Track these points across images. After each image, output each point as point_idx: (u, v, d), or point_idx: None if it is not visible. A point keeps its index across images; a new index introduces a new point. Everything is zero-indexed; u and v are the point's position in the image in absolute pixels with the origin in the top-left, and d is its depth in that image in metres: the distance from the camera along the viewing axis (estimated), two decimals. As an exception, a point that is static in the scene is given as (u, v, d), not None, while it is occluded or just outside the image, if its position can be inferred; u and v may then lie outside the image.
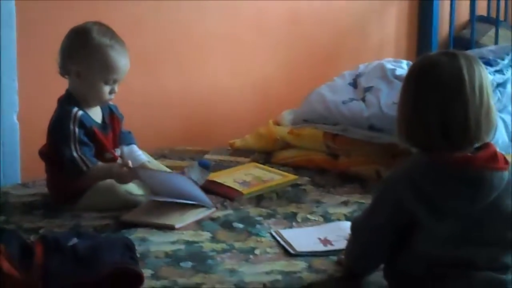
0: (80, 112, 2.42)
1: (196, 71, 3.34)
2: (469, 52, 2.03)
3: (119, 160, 2.53)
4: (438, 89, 1.87)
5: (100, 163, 2.43)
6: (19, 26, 2.86)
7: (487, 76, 1.92)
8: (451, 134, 1.87)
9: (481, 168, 1.87)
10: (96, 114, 2.50)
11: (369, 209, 1.98)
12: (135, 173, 2.40)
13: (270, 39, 3.50)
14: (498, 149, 2.62)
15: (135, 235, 2.24)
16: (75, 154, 2.38)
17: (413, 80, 1.94)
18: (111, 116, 2.55)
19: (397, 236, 1.92)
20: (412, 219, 1.88)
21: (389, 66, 2.95)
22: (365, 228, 1.97)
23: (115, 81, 2.43)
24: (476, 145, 1.90)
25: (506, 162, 1.91)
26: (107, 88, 2.43)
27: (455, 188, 1.87)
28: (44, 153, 2.50)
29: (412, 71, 1.97)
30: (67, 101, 2.45)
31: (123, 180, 2.41)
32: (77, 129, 2.40)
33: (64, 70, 2.46)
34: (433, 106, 1.87)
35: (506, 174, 1.90)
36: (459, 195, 1.87)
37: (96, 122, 2.48)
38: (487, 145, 1.92)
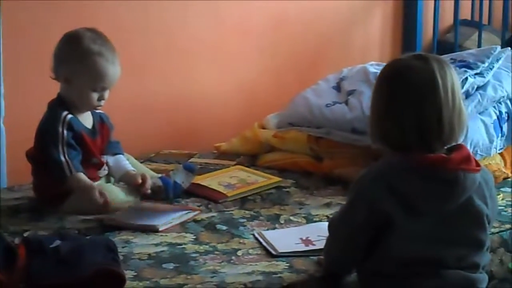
0: (69, 116, 2.44)
1: (181, 75, 3.36)
2: (449, 55, 2.06)
3: (104, 168, 2.54)
4: (412, 91, 1.90)
5: (84, 177, 2.40)
6: (5, 31, 2.86)
7: (458, 79, 1.96)
8: (426, 135, 1.90)
9: (455, 169, 1.90)
10: (86, 119, 2.51)
11: (345, 209, 2.00)
12: (108, 207, 2.38)
13: (255, 43, 3.52)
14: (479, 151, 2.69)
15: (118, 237, 2.26)
16: (62, 157, 2.39)
17: (386, 83, 1.96)
18: (101, 124, 2.56)
19: (372, 235, 1.94)
20: (386, 219, 1.91)
21: (372, 69, 2.99)
22: (342, 229, 1.99)
23: (103, 89, 2.44)
24: (448, 146, 1.94)
25: (478, 164, 1.95)
26: (95, 95, 2.44)
27: (429, 188, 1.90)
28: (31, 156, 2.52)
29: (384, 74, 1.99)
30: (58, 104, 2.47)
31: (93, 206, 2.38)
32: (65, 132, 2.41)
33: (55, 74, 2.48)
34: (408, 109, 1.90)
35: (478, 176, 1.93)
36: (433, 195, 1.90)
37: (85, 127, 2.49)
38: (460, 147, 1.95)
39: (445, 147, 1.93)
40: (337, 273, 2.08)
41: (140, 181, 2.51)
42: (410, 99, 1.90)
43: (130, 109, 3.20)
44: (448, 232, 1.92)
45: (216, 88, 3.45)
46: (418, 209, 1.91)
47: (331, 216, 2.18)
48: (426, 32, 3.96)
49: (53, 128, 2.41)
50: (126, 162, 2.60)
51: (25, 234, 2.26)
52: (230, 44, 3.47)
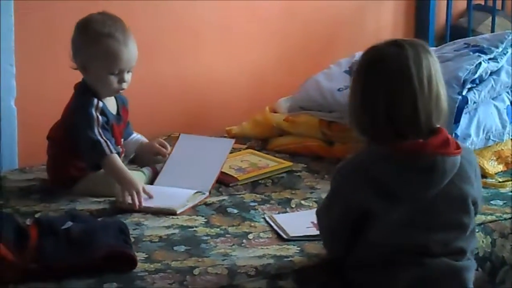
0: (101, 103, 2.44)
1: (192, 59, 3.35)
2: (416, 40, 2.00)
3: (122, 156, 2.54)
4: (385, 81, 1.88)
5: (122, 164, 2.42)
6: (17, 11, 2.86)
7: (435, 62, 1.93)
8: (400, 124, 1.88)
9: (433, 154, 1.87)
10: (111, 105, 2.51)
11: (328, 200, 2.01)
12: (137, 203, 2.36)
13: (266, 26, 3.50)
14: (491, 137, 2.68)
15: (130, 219, 2.27)
16: (99, 137, 2.39)
17: (361, 72, 1.95)
18: (124, 108, 2.57)
19: (354, 226, 1.94)
20: (367, 210, 1.90)
21: (385, 54, 2.96)
22: (326, 219, 2.01)
23: (121, 71, 2.42)
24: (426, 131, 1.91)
25: (458, 147, 1.92)
26: (113, 78, 2.42)
27: (408, 176, 1.88)
28: (53, 136, 2.50)
29: (361, 63, 1.97)
30: (86, 90, 2.46)
31: (126, 191, 2.36)
32: (99, 116, 2.42)
33: (75, 63, 2.46)
34: (382, 98, 1.88)
35: (458, 158, 1.91)
36: (413, 182, 1.88)
37: (112, 114, 2.50)
38: (439, 131, 1.92)
39: (424, 134, 1.90)
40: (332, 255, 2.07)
41: (158, 145, 2.60)
42: (384, 88, 1.88)
43: (140, 92, 3.18)
44: (431, 218, 1.91)
45: (226, 71, 3.44)
46: (399, 197, 1.89)
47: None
48: (439, 17, 3.93)
49: (87, 112, 2.41)
50: (137, 135, 2.63)
51: (37, 215, 2.27)
52: (240, 27, 3.45)
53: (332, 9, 3.68)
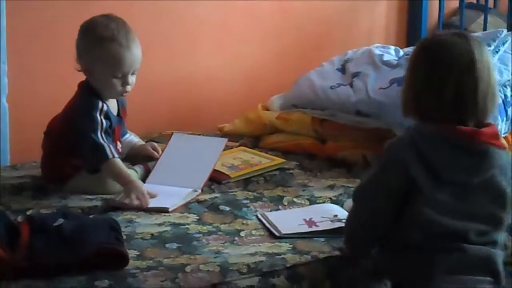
0: (105, 106, 2.44)
1: (186, 57, 3.35)
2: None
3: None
4: (454, 66, 1.94)
5: (125, 167, 2.41)
6: (8, 8, 2.85)
7: (492, 61, 2.03)
8: (462, 109, 1.93)
9: (486, 142, 1.93)
10: (113, 106, 2.51)
11: (375, 175, 1.99)
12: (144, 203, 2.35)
13: (260, 25, 3.50)
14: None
15: (121, 216, 2.26)
16: (102, 141, 2.38)
17: (427, 56, 2.00)
18: (123, 109, 2.57)
19: (397, 204, 1.95)
20: (413, 185, 1.92)
21: (377, 51, 2.97)
22: (371, 194, 1.98)
23: (124, 74, 2.41)
24: (478, 123, 1.96)
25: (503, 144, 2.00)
26: (117, 82, 2.42)
27: (458, 158, 1.93)
28: (53, 133, 2.49)
29: (424, 48, 2.02)
30: (90, 91, 2.45)
31: (129, 195, 2.35)
32: (103, 120, 2.41)
33: (79, 66, 2.46)
34: (448, 82, 1.93)
35: (504, 153, 1.97)
36: (461, 165, 1.93)
37: (114, 116, 2.49)
38: (490, 124, 1.99)
39: (476, 123, 1.96)
40: (356, 252, 2.06)
41: (151, 149, 2.59)
42: (451, 73, 1.93)
43: (134, 90, 3.17)
44: (471, 206, 1.95)
45: (220, 69, 3.44)
46: (444, 178, 1.93)
47: (357, 185, 2.11)
48: (432, 15, 3.93)
49: (91, 115, 2.40)
50: (130, 136, 2.63)
51: (28, 212, 2.26)
52: (235, 26, 3.45)
53: (325, 8, 3.68)
